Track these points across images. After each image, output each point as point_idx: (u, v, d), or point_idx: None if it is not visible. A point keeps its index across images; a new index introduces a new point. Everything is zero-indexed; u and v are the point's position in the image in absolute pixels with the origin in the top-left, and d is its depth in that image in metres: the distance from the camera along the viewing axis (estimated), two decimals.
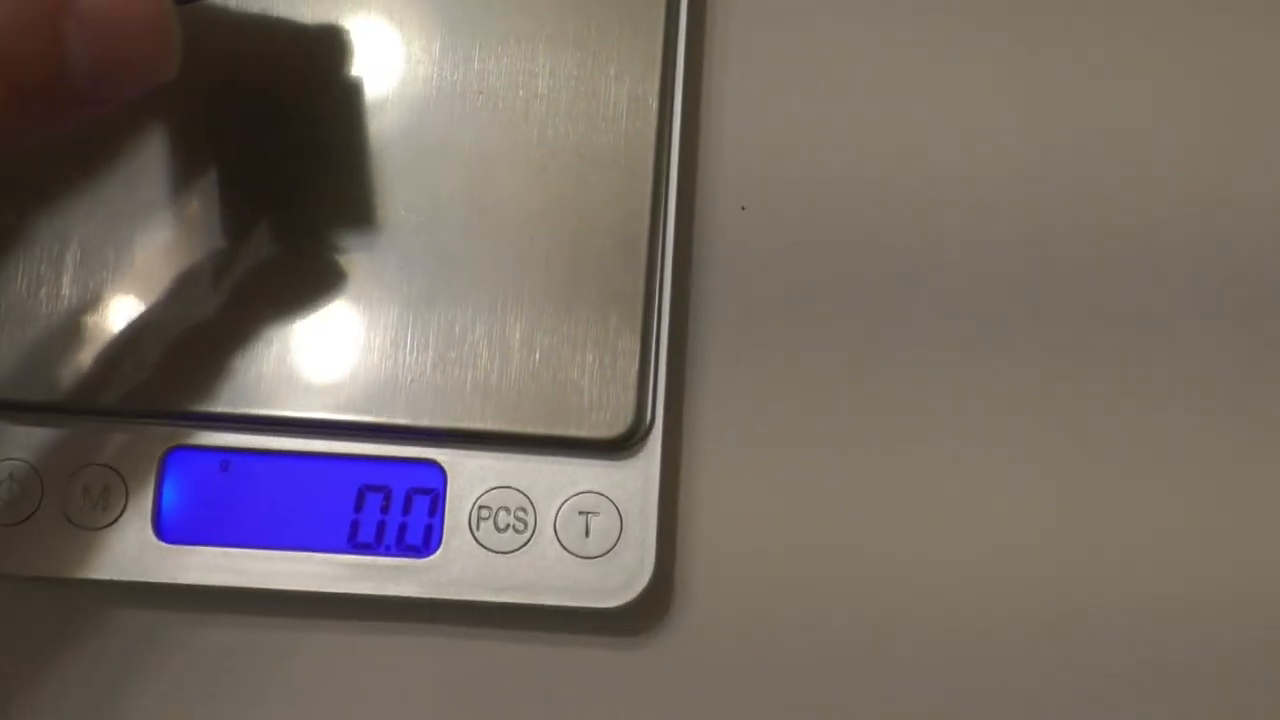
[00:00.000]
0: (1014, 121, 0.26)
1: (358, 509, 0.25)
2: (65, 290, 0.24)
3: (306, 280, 0.24)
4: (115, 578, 0.24)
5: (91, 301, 0.24)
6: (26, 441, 0.24)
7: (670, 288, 0.25)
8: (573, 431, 0.24)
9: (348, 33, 0.26)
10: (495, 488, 0.25)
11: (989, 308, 0.25)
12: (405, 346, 0.24)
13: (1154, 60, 0.26)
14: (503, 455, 0.25)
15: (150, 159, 0.25)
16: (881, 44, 0.27)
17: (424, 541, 0.24)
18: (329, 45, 0.26)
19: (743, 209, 0.26)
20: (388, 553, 0.24)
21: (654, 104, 0.25)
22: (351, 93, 0.25)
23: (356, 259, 0.24)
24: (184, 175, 0.25)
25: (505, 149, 0.25)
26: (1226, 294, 0.25)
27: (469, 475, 0.25)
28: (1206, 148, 0.26)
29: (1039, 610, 0.24)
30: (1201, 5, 0.27)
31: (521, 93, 0.25)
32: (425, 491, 0.25)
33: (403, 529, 0.24)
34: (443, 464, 0.25)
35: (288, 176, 0.25)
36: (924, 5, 0.27)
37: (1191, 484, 0.25)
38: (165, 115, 0.25)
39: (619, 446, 0.24)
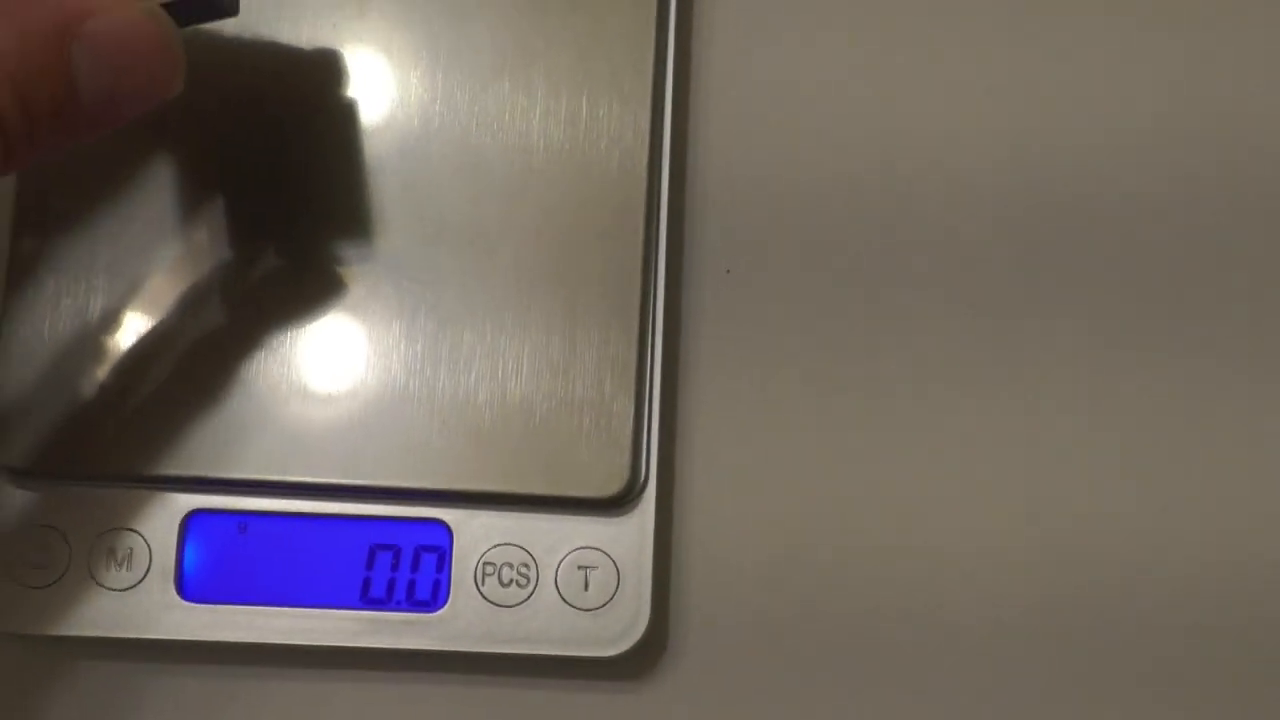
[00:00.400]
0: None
1: (369, 567, 0.26)
2: (88, 363, 0.26)
3: (315, 351, 0.26)
4: (140, 636, 0.26)
5: (113, 373, 0.26)
6: (54, 507, 0.26)
7: (661, 350, 0.27)
8: (571, 491, 0.26)
9: (344, 58, 0.27)
10: (499, 544, 0.26)
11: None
12: (410, 412, 0.26)
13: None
14: (505, 514, 0.26)
15: (163, 225, 0.27)
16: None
17: (432, 597, 0.26)
18: (329, 73, 0.27)
19: (728, 272, 0.28)
20: (398, 608, 0.26)
21: (643, 175, 0.27)
22: (349, 140, 0.26)
23: (363, 332, 0.26)
24: (190, 242, 0.26)
25: (502, 217, 0.27)
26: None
27: (474, 533, 0.26)
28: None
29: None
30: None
31: (516, 165, 0.27)
32: (432, 549, 0.26)
33: (412, 585, 0.26)
34: (448, 523, 0.26)
35: (296, 238, 0.27)
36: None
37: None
38: (172, 158, 0.26)
39: (615, 504, 0.26)
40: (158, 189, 0.27)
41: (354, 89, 0.27)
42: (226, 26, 0.24)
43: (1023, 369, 0.27)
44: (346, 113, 0.27)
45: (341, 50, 0.27)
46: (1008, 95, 0.28)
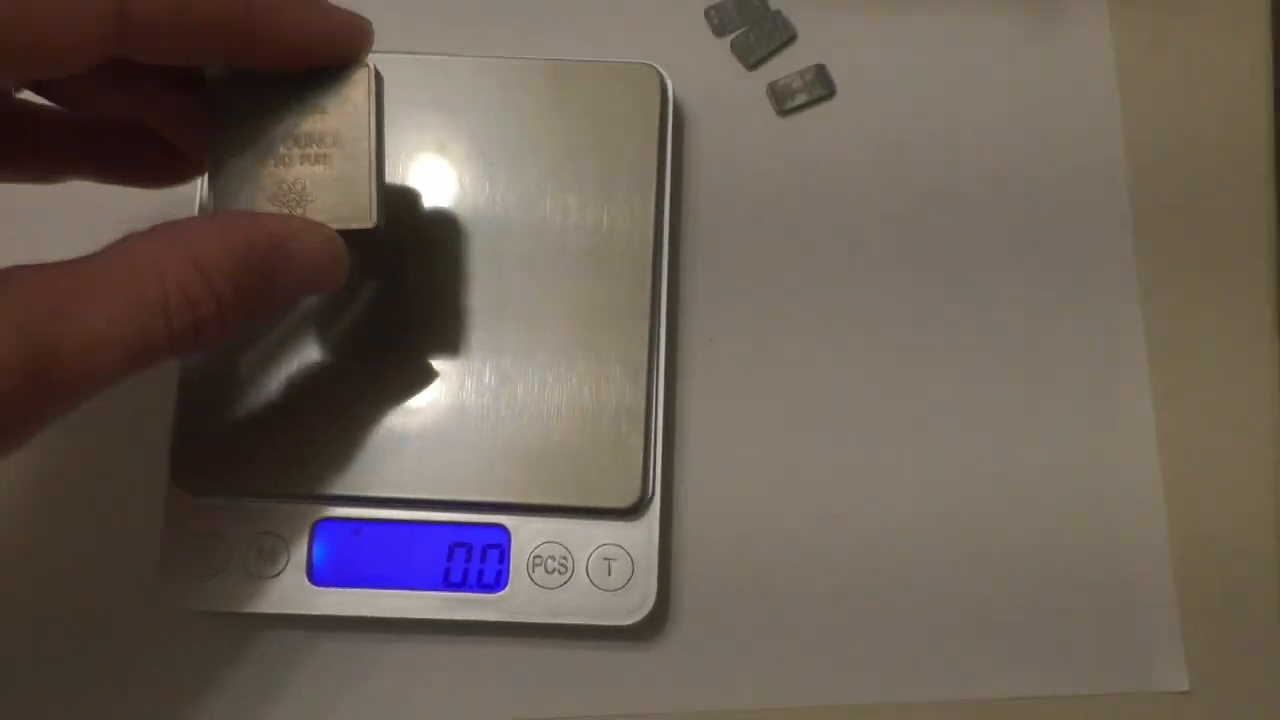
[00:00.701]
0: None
1: (449, 559, 0.32)
2: (245, 406, 0.32)
3: (411, 399, 0.32)
4: (281, 612, 0.32)
5: (262, 415, 0.32)
6: (219, 516, 0.32)
7: (663, 400, 0.33)
8: (598, 503, 0.32)
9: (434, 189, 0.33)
10: (545, 542, 0.32)
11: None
12: (480, 445, 0.32)
13: None
14: (550, 520, 0.32)
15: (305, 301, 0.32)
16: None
17: (496, 581, 0.32)
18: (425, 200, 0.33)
19: (710, 341, 0.35)
20: (470, 590, 0.32)
21: (648, 270, 0.33)
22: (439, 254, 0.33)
23: (445, 385, 0.32)
24: (328, 317, 0.32)
25: (546, 300, 0.32)
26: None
27: (527, 534, 0.32)
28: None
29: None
30: None
31: (555, 261, 0.32)
32: (496, 546, 0.32)
33: (481, 573, 0.32)
34: (508, 526, 0.32)
35: (405, 316, 0.33)
36: None
37: None
38: None
39: (630, 512, 0.32)
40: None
41: (443, 208, 0.33)
42: None
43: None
44: (439, 227, 0.33)
45: (430, 179, 0.33)
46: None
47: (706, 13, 0.37)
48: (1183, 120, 0.37)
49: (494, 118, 0.34)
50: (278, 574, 0.32)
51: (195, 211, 0.33)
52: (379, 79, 0.27)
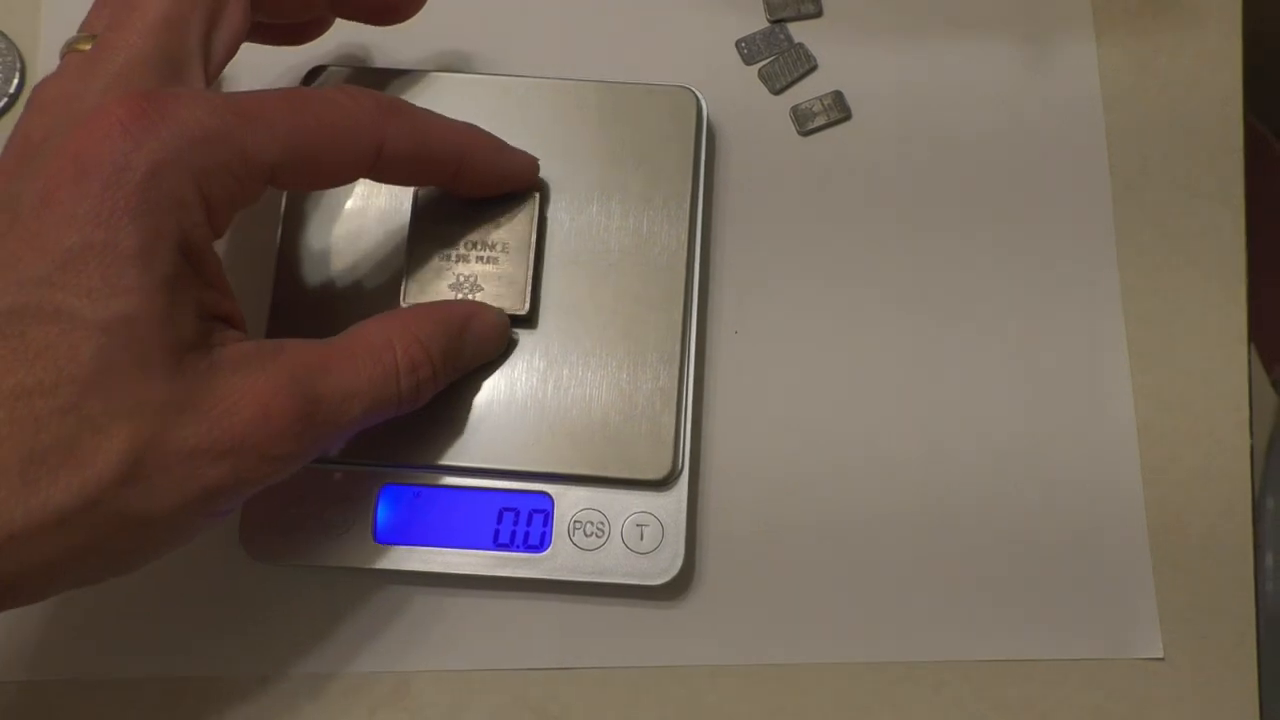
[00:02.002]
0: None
1: (498, 522, 0.34)
2: None
3: (468, 379, 0.35)
4: (348, 565, 0.34)
5: None
6: (297, 482, 0.32)
7: (692, 383, 0.36)
8: (633, 474, 0.34)
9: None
10: (585, 509, 0.35)
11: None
12: (529, 421, 0.34)
13: None
14: (589, 489, 0.35)
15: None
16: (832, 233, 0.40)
17: (540, 543, 0.34)
18: None
19: (735, 333, 0.38)
20: (518, 550, 0.34)
21: (682, 270, 0.35)
22: None
23: (500, 368, 0.35)
24: None
25: (591, 295, 0.35)
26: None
27: (568, 501, 0.35)
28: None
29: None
30: None
31: (599, 261, 0.36)
32: (541, 511, 0.34)
33: (527, 535, 0.34)
34: (552, 494, 0.35)
35: None
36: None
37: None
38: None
39: (661, 483, 0.34)
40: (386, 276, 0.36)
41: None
42: None
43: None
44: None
45: None
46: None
47: (737, 44, 0.42)
48: (1159, 114, 0.41)
49: (549, 131, 0.37)
50: (346, 531, 0.35)
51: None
52: (544, 203, 0.36)
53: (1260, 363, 0.68)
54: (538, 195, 0.35)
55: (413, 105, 0.31)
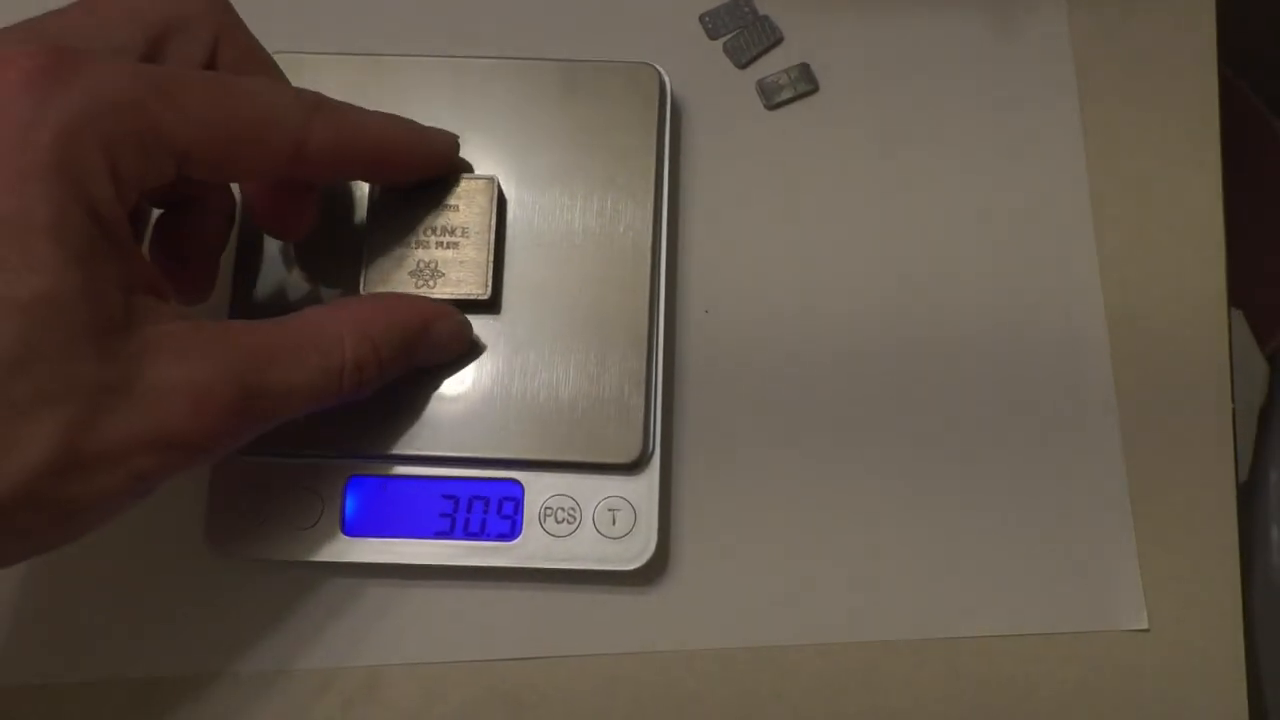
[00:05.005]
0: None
1: (468, 511, 0.34)
2: None
3: (436, 371, 0.34)
4: (316, 559, 0.34)
5: None
6: (261, 474, 0.34)
7: (661, 364, 0.35)
8: (603, 459, 0.34)
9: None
10: (555, 495, 0.34)
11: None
12: (496, 408, 0.34)
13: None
14: (559, 474, 0.34)
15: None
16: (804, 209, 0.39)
17: (510, 531, 0.34)
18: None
19: (706, 312, 0.38)
20: (488, 539, 0.34)
21: (648, 250, 0.35)
22: None
23: (465, 356, 0.34)
24: None
25: (556, 277, 0.35)
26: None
27: (538, 487, 0.34)
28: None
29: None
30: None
31: (565, 242, 0.35)
32: (510, 499, 0.34)
33: (497, 523, 0.34)
34: (521, 481, 0.34)
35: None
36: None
37: None
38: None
39: (632, 467, 0.34)
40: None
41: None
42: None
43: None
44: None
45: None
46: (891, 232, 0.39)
47: (701, 18, 0.41)
48: (1132, 78, 0.40)
49: (509, 112, 0.37)
50: (313, 525, 0.35)
51: None
52: (500, 189, 0.35)
53: (1254, 336, 0.67)
54: (495, 179, 0.35)
55: (335, 100, 0.30)
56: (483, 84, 0.37)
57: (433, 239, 0.34)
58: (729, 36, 0.41)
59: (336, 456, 0.35)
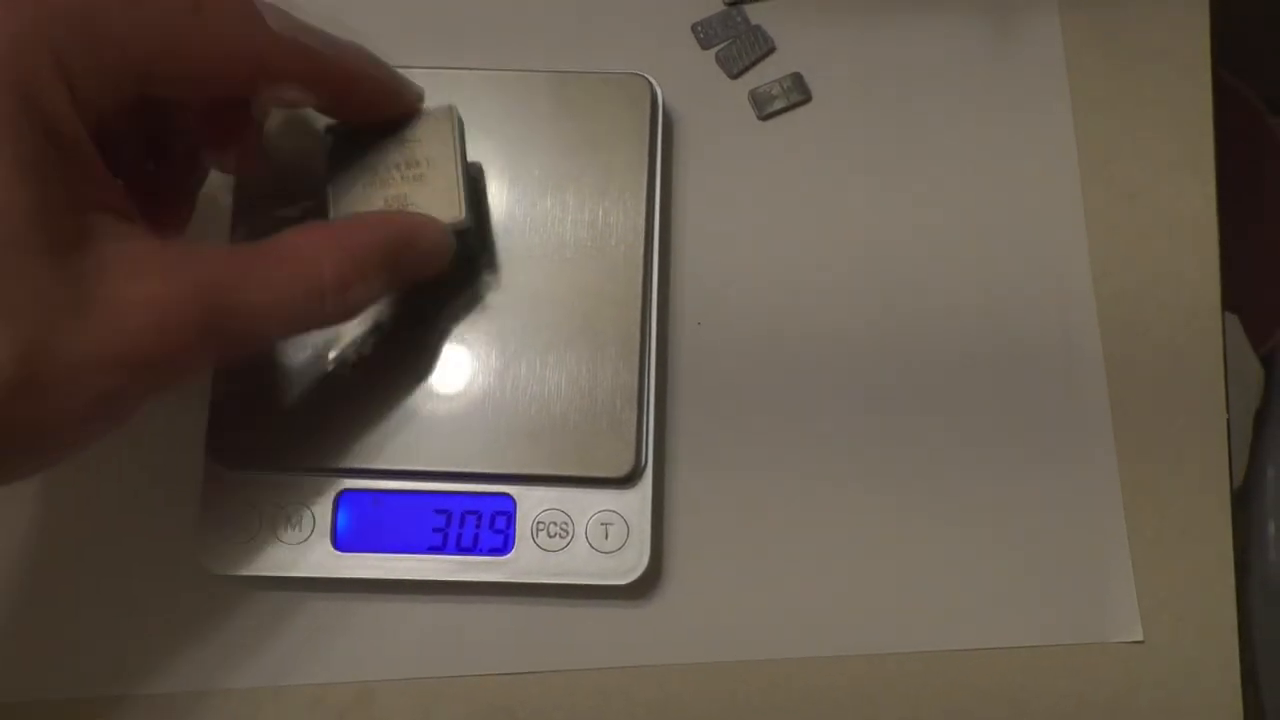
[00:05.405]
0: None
1: (460, 525, 0.34)
2: (278, 390, 0.34)
3: (425, 380, 0.34)
4: (307, 575, 0.34)
5: (292, 397, 0.34)
6: (251, 490, 0.34)
7: (654, 378, 0.35)
8: (596, 473, 0.34)
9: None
10: (548, 509, 0.34)
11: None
12: (488, 421, 0.34)
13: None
14: (552, 488, 0.34)
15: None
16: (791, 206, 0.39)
17: (503, 545, 0.34)
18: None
19: (699, 325, 0.38)
20: (480, 553, 0.34)
21: (640, 262, 0.35)
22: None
23: (456, 369, 0.34)
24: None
25: (548, 289, 0.35)
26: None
27: (531, 502, 0.34)
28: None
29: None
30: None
31: (556, 254, 0.35)
32: (503, 513, 0.34)
33: (489, 538, 0.34)
34: (514, 495, 0.34)
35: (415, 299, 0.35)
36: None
37: None
38: None
39: (625, 481, 0.34)
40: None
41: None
42: None
43: None
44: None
45: None
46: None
47: (693, 28, 0.41)
48: (1126, 86, 0.40)
49: (501, 125, 0.37)
50: (304, 540, 0.34)
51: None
52: (460, 117, 0.33)
53: (1248, 338, 0.67)
54: (454, 106, 0.33)
55: (302, 19, 0.29)
56: (474, 95, 0.37)
57: (397, 174, 0.33)
58: (721, 46, 0.40)
59: (327, 472, 0.35)
